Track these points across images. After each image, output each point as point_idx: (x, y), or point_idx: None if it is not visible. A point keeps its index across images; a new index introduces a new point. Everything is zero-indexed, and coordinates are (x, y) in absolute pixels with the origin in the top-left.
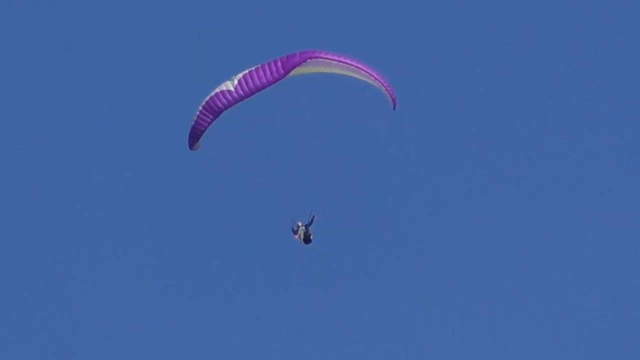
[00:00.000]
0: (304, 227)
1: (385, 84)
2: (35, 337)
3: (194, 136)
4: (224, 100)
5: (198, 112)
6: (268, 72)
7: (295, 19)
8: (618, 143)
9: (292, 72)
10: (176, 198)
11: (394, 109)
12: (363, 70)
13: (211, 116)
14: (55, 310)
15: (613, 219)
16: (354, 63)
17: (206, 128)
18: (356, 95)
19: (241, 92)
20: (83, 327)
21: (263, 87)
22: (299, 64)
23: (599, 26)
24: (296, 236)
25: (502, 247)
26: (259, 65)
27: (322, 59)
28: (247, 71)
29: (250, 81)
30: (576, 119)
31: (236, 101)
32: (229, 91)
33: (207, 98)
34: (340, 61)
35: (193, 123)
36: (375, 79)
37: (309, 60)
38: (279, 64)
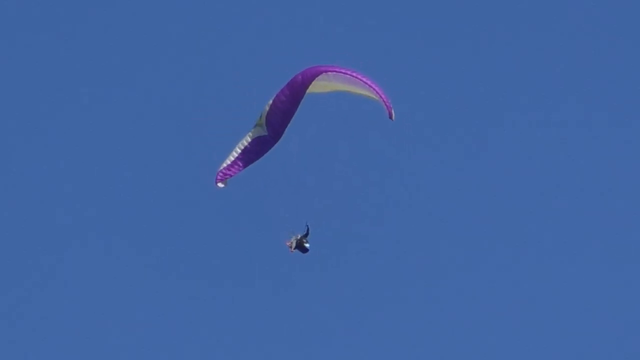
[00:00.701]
0: (298, 237)
1: (379, 91)
2: (31, 336)
3: (226, 177)
4: (263, 149)
5: (233, 159)
6: (289, 113)
7: (287, 20)
8: (616, 143)
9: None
10: (175, 198)
11: (391, 118)
12: (360, 79)
13: (248, 163)
14: (52, 310)
15: (611, 218)
16: (348, 72)
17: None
18: (354, 104)
19: (276, 138)
20: (81, 327)
21: (288, 124)
22: (306, 89)
23: (594, 26)
24: (288, 243)
25: (501, 247)
26: (276, 105)
27: (323, 73)
28: (266, 114)
29: (279, 126)
30: (574, 118)
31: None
32: (264, 138)
33: (242, 147)
34: (337, 72)
35: (229, 167)
36: (372, 88)
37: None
38: (288, 93)
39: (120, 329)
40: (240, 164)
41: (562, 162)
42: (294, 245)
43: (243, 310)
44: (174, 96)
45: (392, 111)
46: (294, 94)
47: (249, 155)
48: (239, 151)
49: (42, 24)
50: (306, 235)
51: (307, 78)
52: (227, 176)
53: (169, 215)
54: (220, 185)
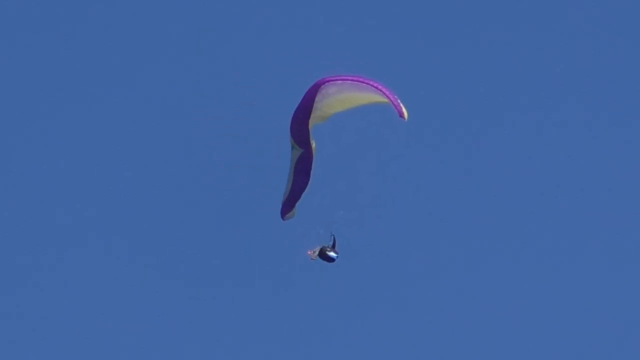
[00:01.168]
0: (321, 246)
1: (387, 93)
2: (32, 336)
3: (292, 208)
4: (308, 165)
5: (291, 187)
6: (304, 124)
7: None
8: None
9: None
10: (175, 198)
11: (402, 117)
12: (366, 83)
13: (304, 183)
14: (52, 310)
15: (611, 218)
16: (355, 79)
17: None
18: (366, 108)
19: (310, 150)
20: (81, 327)
21: (308, 135)
22: (315, 97)
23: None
24: (310, 252)
25: (501, 247)
26: (293, 121)
27: (329, 82)
28: (290, 134)
29: (301, 139)
30: (574, 118)
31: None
32: (303, 155)
33: (293, 173)
34: (343, 80)
35: (290, 197)
36: (380, 90)
37: (321, 90)
38: (299, 106)
39: (120, 329)
40: (299, 189)
41: (562, 162)
42: (316, 252)
43: (243, 310)
44: (174, 96)
45: (404, 110)
46: (304, 102)
47: (301, 176)
48: (292, 178)
49: (42, 24)
50: (333, 245)
51: (315, 86)
52: (292, 206)
53: (169, 215)
54: (287, 216)
